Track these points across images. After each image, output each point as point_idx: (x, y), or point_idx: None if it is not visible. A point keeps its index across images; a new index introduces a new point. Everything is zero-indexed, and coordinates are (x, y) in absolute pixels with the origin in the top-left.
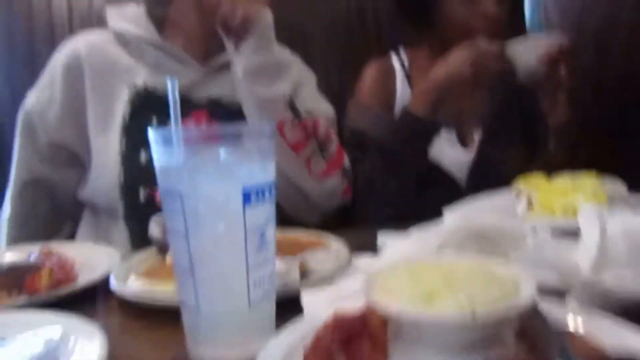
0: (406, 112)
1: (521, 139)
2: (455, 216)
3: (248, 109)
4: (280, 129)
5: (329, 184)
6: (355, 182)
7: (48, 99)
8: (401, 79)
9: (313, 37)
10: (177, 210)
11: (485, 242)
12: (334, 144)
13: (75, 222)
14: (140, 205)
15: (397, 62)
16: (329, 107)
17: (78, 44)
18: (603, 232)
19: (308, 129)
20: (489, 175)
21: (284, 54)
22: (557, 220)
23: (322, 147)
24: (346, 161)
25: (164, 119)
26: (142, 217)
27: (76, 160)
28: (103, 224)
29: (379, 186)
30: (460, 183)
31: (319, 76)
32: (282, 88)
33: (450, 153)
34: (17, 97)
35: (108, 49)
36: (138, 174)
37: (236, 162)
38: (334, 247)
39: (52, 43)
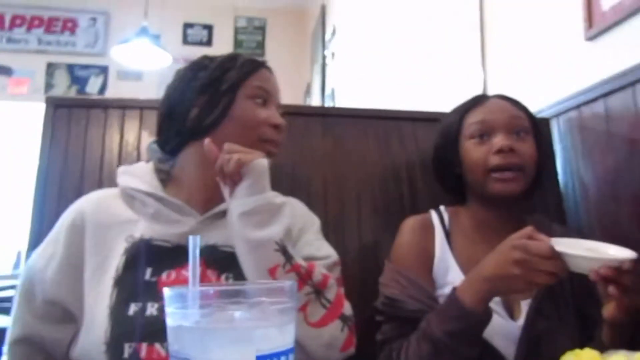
0: (455, 302)
1: (573, 313)
2: None
3: (240, 253)
4: (272, 273)
5: (326, 334)
6: (391, 358)
7: (50, 255)
8: (440, 237)
9: (350, 194)
10: None
11: None
12: (333, 291)
13: None
14: None
15: (436, 218)
16: (331, 253)
17: (85, 202)
18: None
19: (301, 274)
20: (539, 349)
21: (277, 198)
22: None
23: (319, 293)
24: (347, 309)
25: (157, 271)
26: None
27: (70, 318)
28: None
29: None
30: (508, 357)
31: (354, 234)
32: (273, 232)
33: (496, 324)
34: None
35: (112, 205)
36: (124, 329)
37: (251, 324)
38: None
39: None
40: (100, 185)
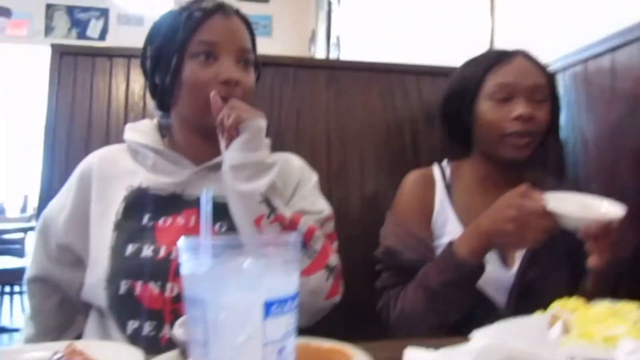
0: (450, 254)
1: (565, 263)
2: (484, 339)
3: (230, 202)
4: (257, 223)
5: (311, 283)
6: (388, 304)
7: (62, 205)
8: (441, 190)
9: (353, 145)
10: (199, 318)
11: None
12: (319, 242)
13: (86, 317)
14: (119, 297)
15: (437, 172)
16: (324, 207)
17: (93, 156)
18: None
19: (285, 224)
20: (530, 298)
21: (268, 158)
22: (596, 349)
23: (305, 244)
24: (333, 260)
25: (154, 217)
26: (121, 309)
27: (80, 262)
28: (106, 323)
29: (417, 319)
30: (499, 305)
31: (357, 184)
32: (258, 185)
33: (490, 272)
34: None
35: (117, 158)
36: (121, 267)
37: (259, 273)
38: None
39: None
40: (107, 133)
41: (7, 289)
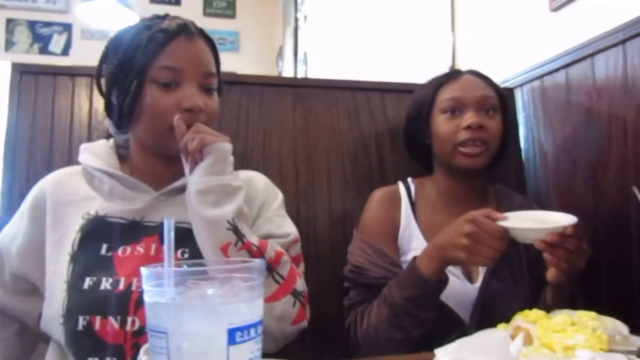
0: (413, 270)
1: (526, 276)
2: (448, 355)
3: (195, 229)
4: (224, 251)
5: (277, 309)
6: (355, 322)
7: (15, 232)
8: (406, 207)
9: (320, 163)
10: (162, 347)
11: None
12: (286, 267)
13: (47, 344)
14: (77, 333)
15: (403, 189)
16: (290, 230)
17: (46, 180)
18: None
19: (253, 251)
20: (493, 311)
21: (234, 182)
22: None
23: (271, 270)
24: (300, 285)
25: (113, 246)
26: (80, 346)
27: (36, 291)
28: (66, 356)
29: (382, 335)
30: (464, 319)
31: (324, 202)
32: (226, 211)
33: (454, 287)
34: None
35: (72, 182)
36: (79, 302)
37: (222, 300)
38: None
39: None
40: (70, 154)
41: None
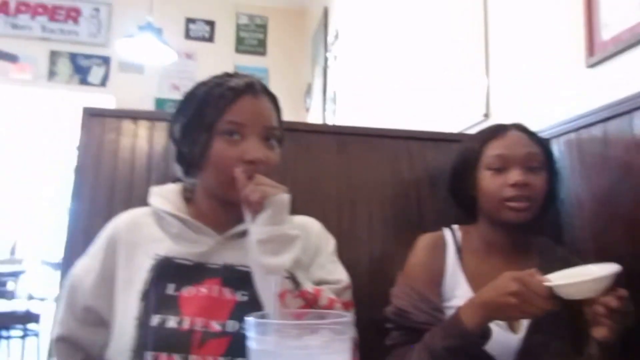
0: (456, 321)
1: (568, 330)
2: None
3: (255, 276)
4: (281, 298)
5: None
6: None
7: (89, 267)
8: (452, 254)
9: (361, 209)
10: None
11: None
12: None
13: None
14: None
15: (449, 236)
16: (342, 277)
17: (120, 221)
18: None
19: (308, 299)
20: None
21: (292, 231)
22: None
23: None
24: (352, 332)
25: (179, 286)
26: None
27: (103, 323)
28: None
29: None
30: None
31: (365, 247)
32: (284, 260)
33: (497, 336)
34: None
35: (143, 223)
36: (147, 338)
37: (319, 351)
38: None
39: None
40: (130, 193)
41: None
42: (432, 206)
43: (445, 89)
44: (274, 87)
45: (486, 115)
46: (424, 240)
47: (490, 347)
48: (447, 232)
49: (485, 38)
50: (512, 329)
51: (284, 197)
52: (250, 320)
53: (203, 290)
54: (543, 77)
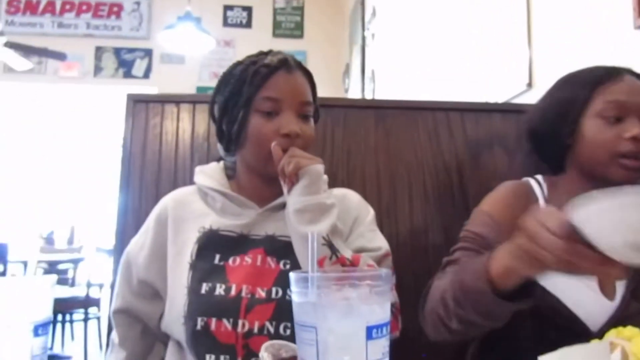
0: (486, 262)
1: None
2: None
3: (295, 244)
4: (320, 264)
5: None
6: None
7: (142, 244)
8: (542, 204)
9: (402, 182)
10: (311, 340)
11: None
12: None
13: (165, 346)
14: (196, 333)
15: (537, 187)
16: (382, 244)
17: (168, 199)
18: None
19: (346, 265)
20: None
21: (328, 199)
22: None
23: None
24: (393, 297)
25: (224, 256)
26: (198, 344)
27: (157, 296)
28: (184, 354)
29: (431, 300)
30: (591, 327)
31: (406, 219)
32: (321, 228)
33: (588, 301)
34: None
35: (189, 201)
36: (197, 305)
37: (361, 302)
38: None
39: None
40: (175, 173)
41: (60, 317)
42: (473, 178)
43: (487, 59)
44: (312, 69)
45: (529, 85)
46: (509, 187)
47: (581, 312)
48: (534, 183)
49: (528, 4)
50: (606, 294)
51: (319, 168)
52: (293, 275)
53: (247, 259)
54: (588, 41)
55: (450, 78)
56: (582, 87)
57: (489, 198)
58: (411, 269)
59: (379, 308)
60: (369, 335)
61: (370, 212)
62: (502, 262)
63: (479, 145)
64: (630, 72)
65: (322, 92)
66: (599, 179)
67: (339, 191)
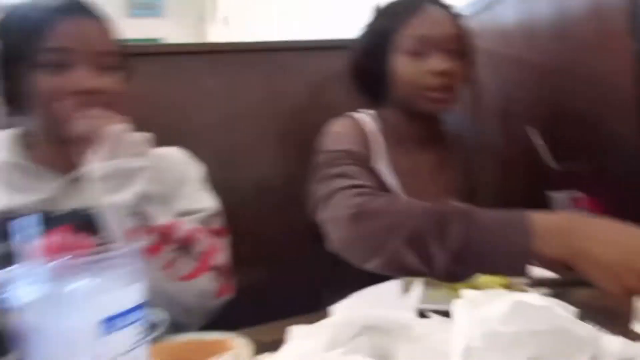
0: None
1: None
2: (342, 310)
3: (101, 216)
4: (129, 235)
5: (198, 285)
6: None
7: None
8: (379, 143)
9: (243, 130)
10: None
11: (376, 333)
12: (202, 244)
13: None
14: None
15: (370, 121)
16: (210, 203)
17: None
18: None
19: (160, 233)
20: None
21: (135, 162)
22: (441, 299)
23: (185, 248)
24: (221, 259)
25: (23, 240)
26: None
27: None
28: None
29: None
30: None
31: (248, 168)
32: (127, 196)
33: None
34: None
35: None
36: None
37: (94, 291)
38: (238, 348)
39: None
40: None
41: None
42: (317, 118)
43: None
44: (169, 16)
45: None
46: (341, 124)
47: None
48: (365, 117)
49: None
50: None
51: (117, 128)
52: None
53: (54, 240)
54: None
55: (303, 20)
56: (387, 22)
57: (327, 143)
58: (252, 220)
59: (119, 294)
60: (106, 329)
61: (197, 171)
62: (567, 250)
63: (319, 85)
64: (437, 3)
65: (182, 39)
66: (411, 112)
67: (160, 151)
